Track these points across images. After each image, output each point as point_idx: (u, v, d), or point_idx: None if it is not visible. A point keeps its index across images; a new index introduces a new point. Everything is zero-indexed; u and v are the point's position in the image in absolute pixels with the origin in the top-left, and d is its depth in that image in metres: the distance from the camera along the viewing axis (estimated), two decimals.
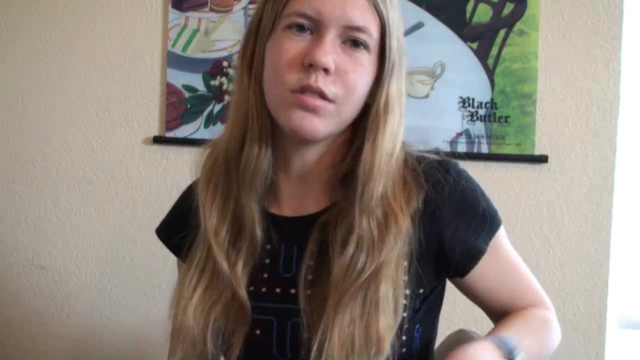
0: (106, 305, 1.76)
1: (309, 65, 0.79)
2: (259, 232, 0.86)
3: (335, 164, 0.87)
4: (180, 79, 1.71)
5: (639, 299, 1.69)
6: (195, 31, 1.71)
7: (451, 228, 0.84)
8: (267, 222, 0.87)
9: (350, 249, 0.80)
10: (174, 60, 1.72)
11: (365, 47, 0.82)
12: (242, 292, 0.85)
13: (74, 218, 1.77)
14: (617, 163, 1.57)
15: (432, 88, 1.64)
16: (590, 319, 1.59)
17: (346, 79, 0.81)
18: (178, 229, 0.92)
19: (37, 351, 1.79)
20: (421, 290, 0.85)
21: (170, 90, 1.72)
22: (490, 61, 1.61)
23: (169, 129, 1.72)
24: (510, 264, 0.91)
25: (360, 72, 0.82)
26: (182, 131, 1.71)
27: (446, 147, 1.61)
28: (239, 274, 0.85)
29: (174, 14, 1.72)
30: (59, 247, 1.78)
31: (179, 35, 1.71)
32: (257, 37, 0.85)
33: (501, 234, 0.89)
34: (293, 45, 0.81)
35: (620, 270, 1.62)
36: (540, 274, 1.59)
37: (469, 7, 1.62)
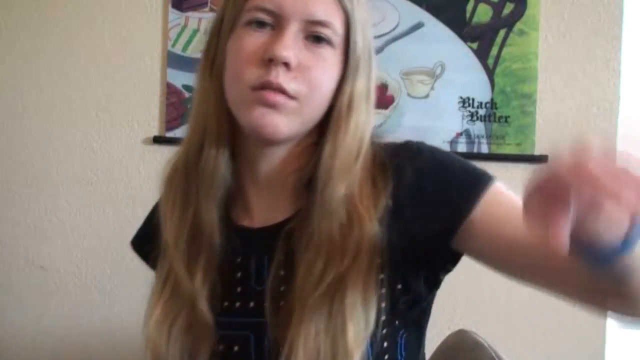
0: (106, 305, 1.76)
1: (269, 61, 0.76)
2: (217, 239, 0.82)
3: (301, 168, 0.82)
4: (180, 79, 1.71)
5: None
6: (195, 31, 1.71)
7: (419, 218, 0.78)
8: (230, 233, 0.83)
9: (310, 255, 0.76)
10: (174, 60, 1.72)
11: (329, 43, 0.78)
12: (203, 305, 0.81)
13: (74, 218, 1.77)
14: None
15: (432, 88, 1.64)
16: (590, 318, 1.58)
17: (309, 75, 0.77)
18: (148, 240, 0.89)
19: (37, 351, 1.79)
20: (399, 286, 0.79)
21: (170, 90, 1.72)
22: (490, 61, 1.61)
23: (169, 129, 1.72)
24: (515, 208, 0.74)
25: (323, 68, 0.78)
26: (182, 131, 1.71)
27: (446, 147, 1.61)
28: (199, 286, 0.81)
29: (174, 14, 1.72)
30: (59, 247, 1.78)
31: (179, 35, 1.71)
32: (219, 37, 0.82)
33: (493, 190, 0.77)
34: (253, 40, 0.78)
35: None
36: None
37: (469, 7, 1.62)
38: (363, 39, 0.81)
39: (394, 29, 1.64)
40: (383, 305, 0.77)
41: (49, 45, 1.76)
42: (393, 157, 0.81)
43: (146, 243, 0.91)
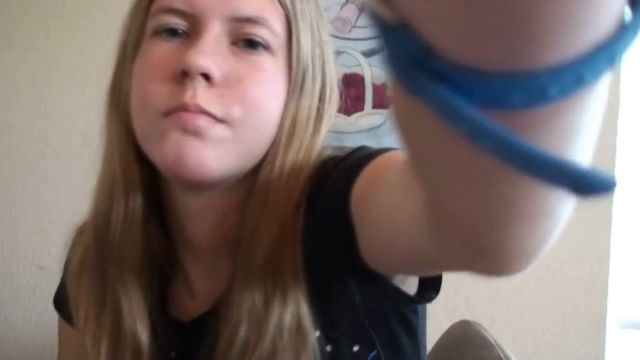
0: None
1: (184, 75, 0.56)
2: (145, 339, 0.63)
3: (241, 223, 0.62)
4: None
5: (639, 299, 1.69)
6: None
7: (328, 254, 0.58)
8: (164, 328, 0.66)
9: (228, 334, 0.59)
10: None
11: (266, 47, 0.59)
12: None
13: (74, 218, 1.77)
14: (617, 163, 1.57)
15: None
16: (590, 319, 1.59)
17: (241, 89, 0.57)
18: (66, 303, 0.72)
19: (36, 351, 1.79)
20: (355, 348, 0.61)
21: None
22: None
23: None
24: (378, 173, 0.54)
25: (260, 80, 0.58)
26: None
27: None
28: None
29: None
30: (59, 247, 1.77)
31: None
32: (124, 59, 0.65)
33: (377, 160, 0.54)
34: (162, 52, 0.58)
35: (620, 270, 1.62)
36: (540, 274, 1.59)
37: None
38: (312, 42, 0.63)
39: None
40: None
41: (48, 43, 1.76)
42: (318, 191, 0.60)
43: (65, 305, 0.74)
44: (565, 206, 0.29)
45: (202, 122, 0.55)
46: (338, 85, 0.67)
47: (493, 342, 0.91)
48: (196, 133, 0.55)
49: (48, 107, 1.77)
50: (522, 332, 1.61)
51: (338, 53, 1.52)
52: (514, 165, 0.20)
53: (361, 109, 1.61)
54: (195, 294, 0.67)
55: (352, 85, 1.59)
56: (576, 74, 0.21)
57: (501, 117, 0.21)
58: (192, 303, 0.67)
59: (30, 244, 1.79)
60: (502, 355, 0.88)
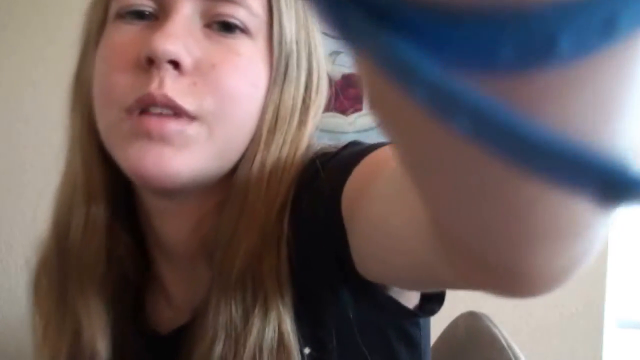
0: None
1: (149, 62, 0.49)
2: (99, 344, 0.57)
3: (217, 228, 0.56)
4: None
5: (638, 299, 1.69)
6: None
7: (320, 268, 0.52)
8: (136, 338, 0.61)
9: (204, 350, 0.53)
10: None
11: (244, 30, 0.52)
12: None
13: None
14: None
15: None
16: (588, 318, 1.59)
17: (215, 77, 0.50)
18: None
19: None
20: None
21: None
22: None
23: None
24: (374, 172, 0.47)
25: (237, 65, 0.51)
26: None
27: None
28: None
29: None
30: None
31: None
32: (87, 48, 0.58)
33: (365, 161, 0.48)
34: (126, 37, 0.52)
35: (619, 270, 1.62)
36: None
37: None
38: (296, 24, 0.55)
39: None
40: None
41: (46, 43, 1.76)
42: (297, 192, 0.54)
43: None
44: (602, 222, 0.22)
45: (173, 125, 0.49)
46: (328, 75, 0.61)
47: (504, 344, 0.82)
48: (163, 139, 0.49)
49: (48, 107, 1.77)
50: (520, 332, 1.61)
51: (337, 53, 1.52)
52: (502, 153, 0.13)
53: (360, 109, 1.61)
54: (174, 304, 0.62)
55: (350, 85, 1.59)
56: (604, 15, 0.12)
57: (484, 82, 0.14)
58: (171, 313, 0.62)
59: (30, 244, 1.78)
60: (513, 359, 0.79)
